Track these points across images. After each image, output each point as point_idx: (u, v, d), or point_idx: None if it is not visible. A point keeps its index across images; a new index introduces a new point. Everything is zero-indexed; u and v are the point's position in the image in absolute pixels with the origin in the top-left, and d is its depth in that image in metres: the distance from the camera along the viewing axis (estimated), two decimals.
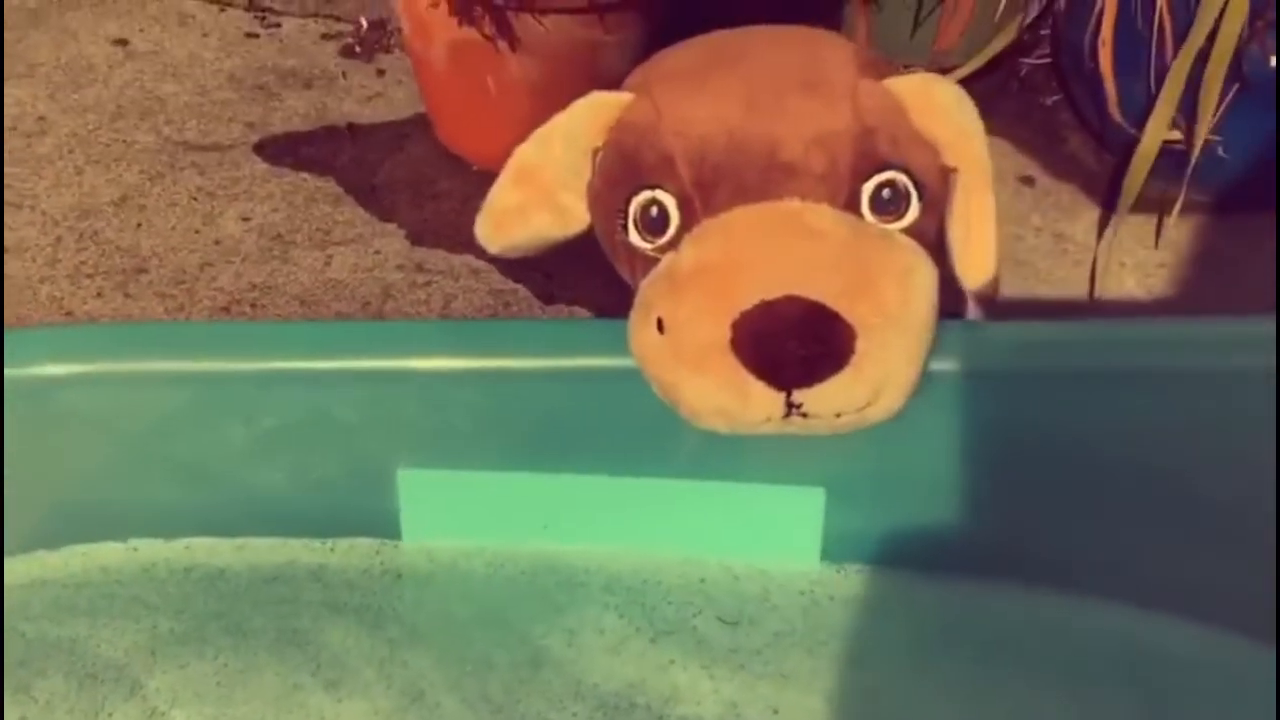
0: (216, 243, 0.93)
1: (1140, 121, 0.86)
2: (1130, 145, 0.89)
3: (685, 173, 0.48)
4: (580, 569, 0.62)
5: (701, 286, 0.46)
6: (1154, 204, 0.89)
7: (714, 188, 0.48)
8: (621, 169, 0.51)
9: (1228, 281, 0.88)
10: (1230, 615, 0.57)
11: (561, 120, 0.53)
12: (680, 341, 0.46)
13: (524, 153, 0.54)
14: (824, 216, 0.47)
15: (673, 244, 0.49)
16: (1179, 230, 0.91)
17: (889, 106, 0.49)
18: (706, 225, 0.48)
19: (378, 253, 0.94)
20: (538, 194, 0.54)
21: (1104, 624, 0.58)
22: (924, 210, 0.49)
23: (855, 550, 0.61)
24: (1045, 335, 0.56)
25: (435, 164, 1.03)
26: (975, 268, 0.52)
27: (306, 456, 0.61)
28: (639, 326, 0.49)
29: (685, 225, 0.49)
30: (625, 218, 0.50)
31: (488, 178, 1.05)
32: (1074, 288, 0.89)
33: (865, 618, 0.59)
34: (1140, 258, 0.90)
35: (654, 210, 0.49)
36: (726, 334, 0.45)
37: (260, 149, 1.03)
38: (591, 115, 0.52)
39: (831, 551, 0.61)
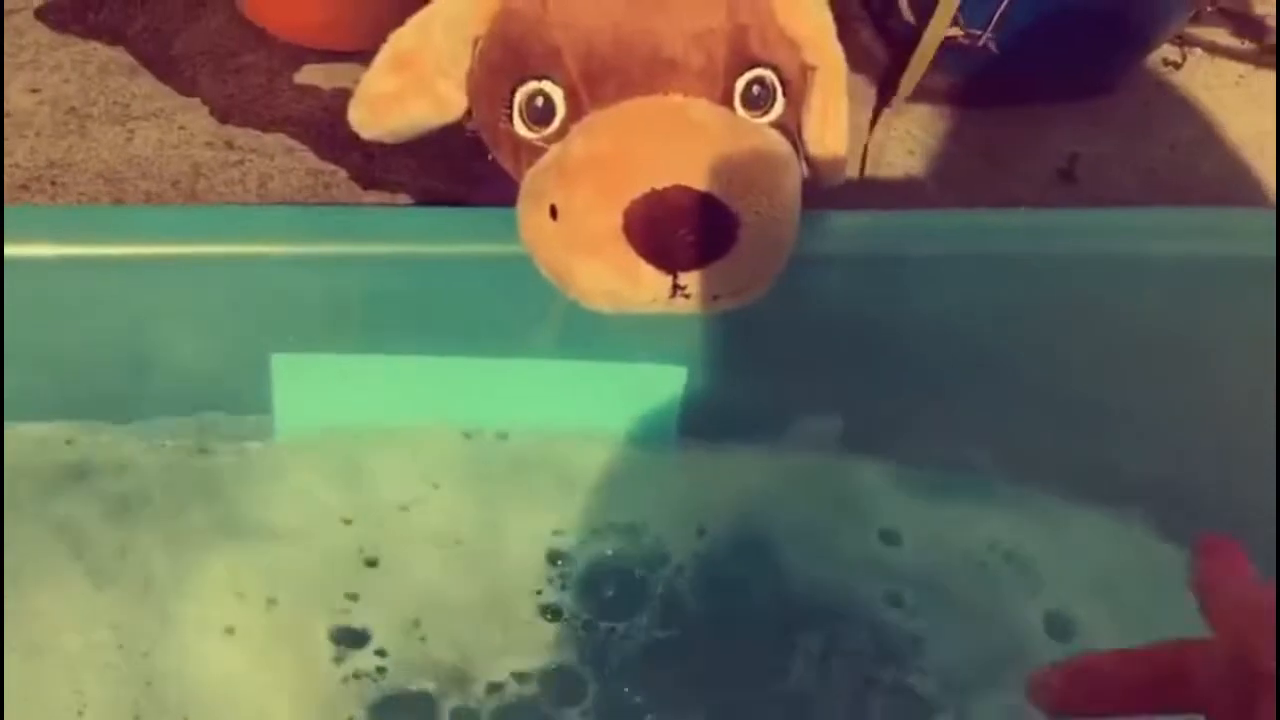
0: (8, 115, 0.87)
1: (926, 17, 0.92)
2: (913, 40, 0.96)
3: (572, 66, 0.50)
4: None
5: (594, 176, 0.48)
6: (937, 96, 0.97)
7: (601, 82, 0.50)
8: (506, 59, 0.51)
9: (1003, 170, 0.97)
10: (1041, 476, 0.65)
11: (442, 6, 0.53)
12: (574, 228, 0.48)
13: (402, 37, 0.54)
14: (705, 110, 0.50)
15: (559, 134, 0.51)
16: (958, 121, 1.00)
17: (759, 6, 0.52)
18: (595, 117, 0.50)
19: (183, 128, 0.90)
20: (416, 81, 0.54)
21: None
22: (787, 106, 0.53)
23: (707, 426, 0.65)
24: (883, 223, 0.61)
25: (236, 35, 0.99)
26: (828, 161, 0.57)
27: None
28: (530, 213, 0.51)
29: (572, 116, 0.51)
30: (510, 107, 0.52)
31: (293, 51, 1.01)
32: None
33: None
34: (928, 146, 0.98)
35: (539, 100, 0.51)
36: (619, 220, 0.47)
37: (43, 15, 0.95)
38: (474, 3, 0.52)
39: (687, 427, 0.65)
